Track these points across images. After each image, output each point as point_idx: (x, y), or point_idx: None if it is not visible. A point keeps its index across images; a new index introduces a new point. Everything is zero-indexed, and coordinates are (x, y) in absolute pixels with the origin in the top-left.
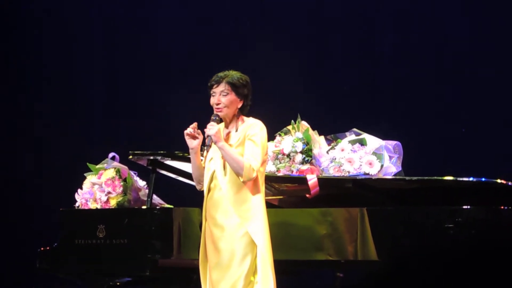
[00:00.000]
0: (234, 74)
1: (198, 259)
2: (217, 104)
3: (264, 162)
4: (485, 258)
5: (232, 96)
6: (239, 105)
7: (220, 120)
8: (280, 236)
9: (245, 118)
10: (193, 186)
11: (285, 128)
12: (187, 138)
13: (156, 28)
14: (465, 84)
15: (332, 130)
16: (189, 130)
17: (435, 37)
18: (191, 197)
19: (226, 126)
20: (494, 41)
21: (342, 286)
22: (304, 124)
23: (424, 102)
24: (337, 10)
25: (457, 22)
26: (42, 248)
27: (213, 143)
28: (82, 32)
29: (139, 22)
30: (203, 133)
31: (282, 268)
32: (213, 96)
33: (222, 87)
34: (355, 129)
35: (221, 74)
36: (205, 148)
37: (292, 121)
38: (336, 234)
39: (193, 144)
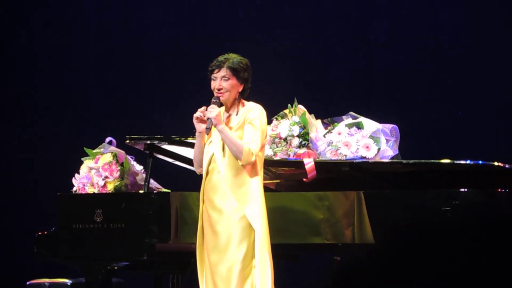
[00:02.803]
0: (234, 58)
1: (195, 243)
2: (219, 90)
3: (263, 147)
4: (482, 241)
5: (233, 81)
6: (240, 89)
7: (220, 104)
8: (277, 220)
9: (245, 102)
10: (191, 171)
11: (282, 112)
12: (195, 122)
13: (152, 13)
14: (462, 68)
15: (328, 114)
16: (198, 113)
17: (431, 20)
18: (188, 182)
19: (227, 110)
20: (490, 25)
21: (340, 270)
22: (301, 108)
23: (421, 85)
24: None
25: (453, 5)
26: (39, 233)
27: (213, 126)
28: (78, 16)
29: (135, 5)
30: None
31: (279, 252)
32: (213, 80)
33: (223, 72)
34: (352, 113)
35: (221, 58)
36: (206, 131)
37: (289, 105)
38: (333, 218)
39: (201, 128)
